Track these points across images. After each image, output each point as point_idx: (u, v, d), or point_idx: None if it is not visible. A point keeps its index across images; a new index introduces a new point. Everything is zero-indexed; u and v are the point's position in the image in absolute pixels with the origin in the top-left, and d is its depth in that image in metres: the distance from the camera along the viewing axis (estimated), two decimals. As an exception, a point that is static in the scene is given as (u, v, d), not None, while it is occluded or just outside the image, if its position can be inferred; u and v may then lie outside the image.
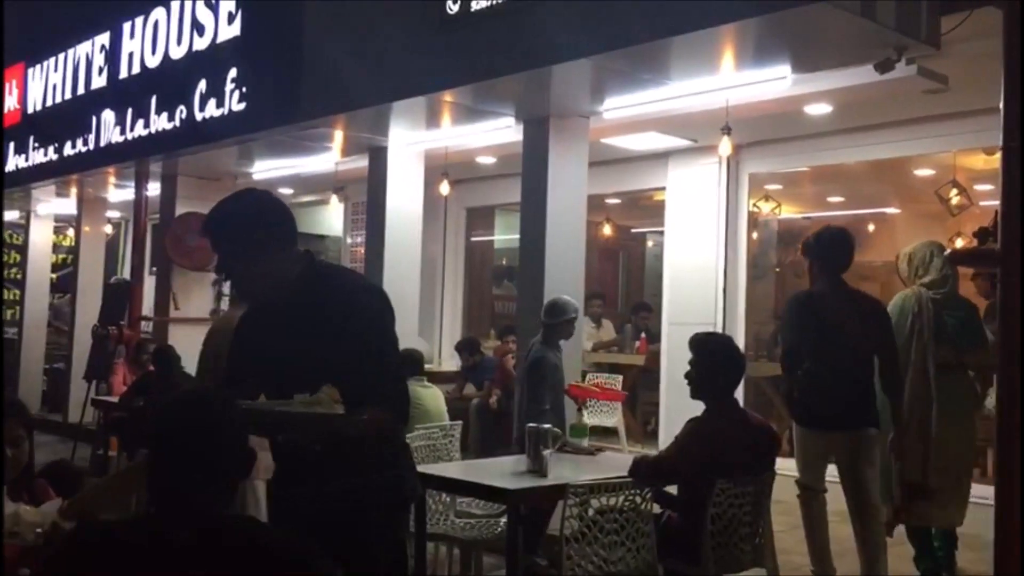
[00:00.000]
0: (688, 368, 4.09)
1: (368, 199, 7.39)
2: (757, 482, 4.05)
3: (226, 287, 9.28)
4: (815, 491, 4.70)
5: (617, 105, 5.78)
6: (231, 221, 2.56)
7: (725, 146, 5.79)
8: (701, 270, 7.72)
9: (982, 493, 5.81)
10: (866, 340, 4.54)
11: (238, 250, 2.54)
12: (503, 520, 4.32)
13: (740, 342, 7.52)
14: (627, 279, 12.55)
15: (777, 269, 9.57)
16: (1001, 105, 2.53)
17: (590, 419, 7.98)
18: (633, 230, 11.60)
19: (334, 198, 8.40)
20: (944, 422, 4.67)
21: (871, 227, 10.05)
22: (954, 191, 7.13)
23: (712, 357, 4.06)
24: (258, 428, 2.34)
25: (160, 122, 7.73)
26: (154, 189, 9.34)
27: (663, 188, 8.17)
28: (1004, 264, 2.59)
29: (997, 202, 2.55)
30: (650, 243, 11.50)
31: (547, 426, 4.32)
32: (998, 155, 6.75)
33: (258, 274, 2.57)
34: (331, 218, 11.92)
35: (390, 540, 2.71)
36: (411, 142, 7.04)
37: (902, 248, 5.23)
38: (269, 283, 2.59)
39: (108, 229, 12.37)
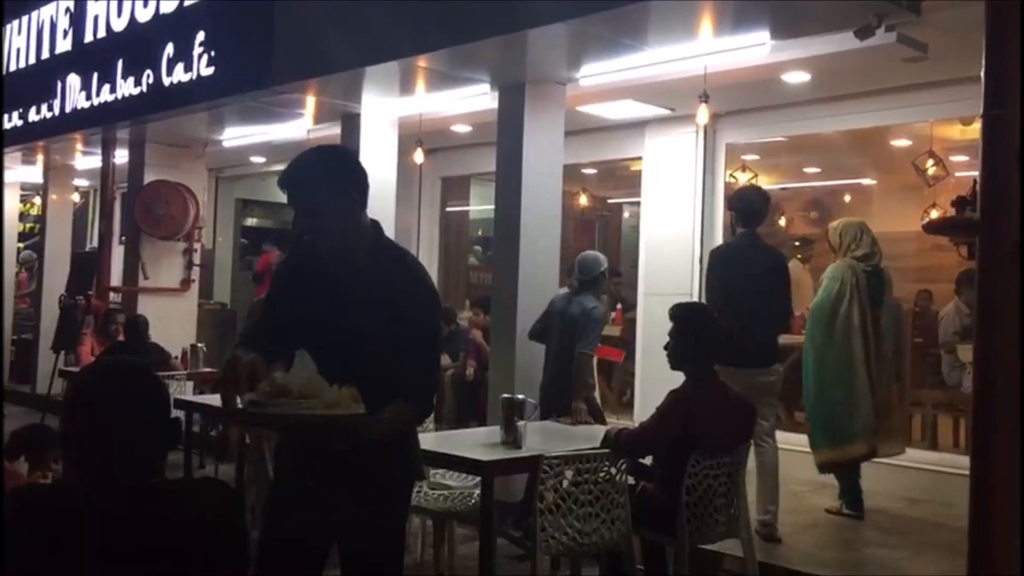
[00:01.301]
0: (667, 339, 4.04)
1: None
2: (734, 454, 4.04)
3: (197, 257, 9.14)
4: None
5: (594, 72, 5.69)
6: (317, 172, 2.49)
7: (703, 114, 5.72)
8: (677, 240, 7.66)
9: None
10: (769, 287, 5.18)
11: (322, 205, 2.45)
12: (477, 492, 4.27)
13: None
14: (603, 250, 12.46)
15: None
16: (982, 72, 2.47)
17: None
18: (609, 200, 11.53)
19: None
20: (879, 372, 5.58)
21: (847, 197, 10.05)
22: (930, 161, 7.11)
23: (690, 328, 4.01)
24: (273, 428, 2.29)
25: (127, 87, 7.55)
26: (122, 156, 9.15)
27: (640, 158, 8.10)
28: (983, 233, 2.56)
29: (973, 173, 2.50)
30: (626, 214, 11.45)
31: (521, 396, 4.26)
32: (974, 125, 6.77)
33: (337, 232, 2.49)
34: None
35: (392, 518, 2.68)
36: (385, 109, 6.92)
37: (832, 223, 5.86)
38: (345, 243, 2.52)
39: (76, 197, 12.15)
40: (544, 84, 5.85)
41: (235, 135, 8.55)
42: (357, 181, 2.53)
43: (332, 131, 7.44)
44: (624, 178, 9.92)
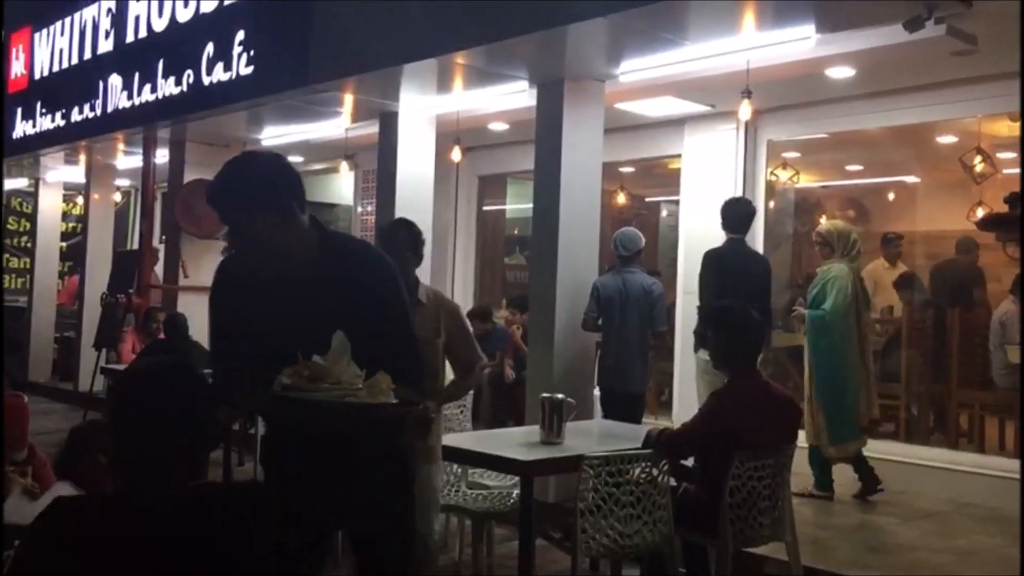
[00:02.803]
0: (707, 337, 3.99)
1: (379, 166, 7.26)
2: (778, 454, 3.96)
3: (236, 255, 9.20)
4: None
5: (634, 68, 5.62)
6: (237, 190, 2.36)
7: (745, 110, 5.63)
8: (717, 239, 7.54)
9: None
10: (758, 289, 5.74)
11: (247, 220, 2.35)
12: (516, 492, 4.23)
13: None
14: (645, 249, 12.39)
15: (792, 239, 9.43)
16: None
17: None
18: (647, 199, 11.42)
19: (344, 165, 8.27)
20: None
21: (891, 196, 9.88)
22: (978, 158, 6.95)
23: (731, 328, 3.95)
24: (298, 417, 2.27)
25: (167, 87, 7.60)
26: (163, 156, 9.23)
27: (679, 156, 8.01)
28: None
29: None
30: (664, 212, 11.33)
31: (561, 396, 4.22)
32: (1024, 120, 6.53)
33: (273, 244, 2.37)
34: (341, 186, 11.81)
35: (395, 499, 2.63)
36: (422, 107, 6.90)
37: (825, 225, 6.18)
38: (285, 253, 2.40)
39: (117, 197, 12.28)
40: (583, 80, 5.79)
41: (274, 134, 8.58)
42: (283, 187, 2.40)
43: (370, 129, 7.45)
44: (662, 176, 9.82)
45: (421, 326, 3.02)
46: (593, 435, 4.56)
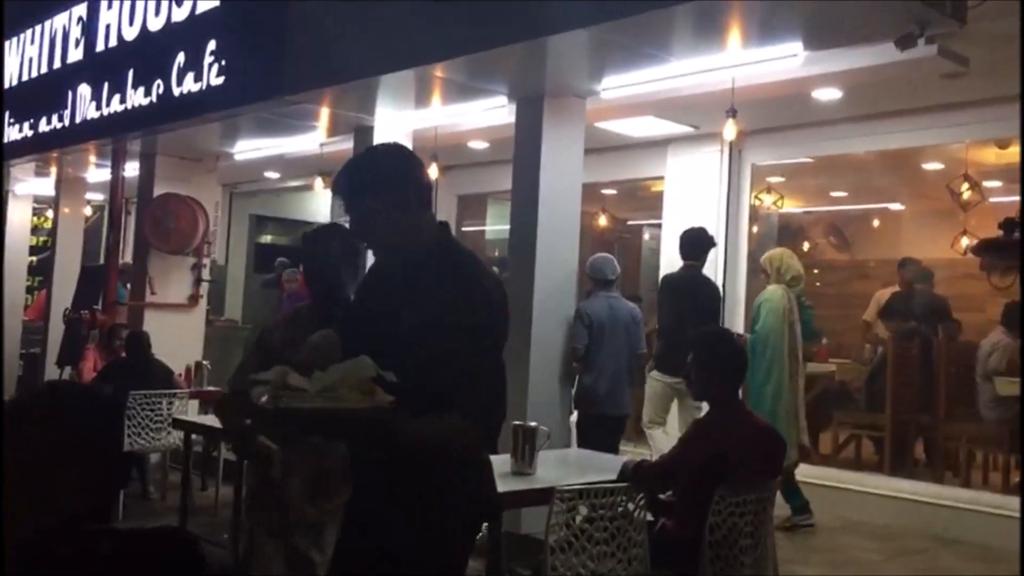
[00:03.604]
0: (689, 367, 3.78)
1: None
2: (761, 489, 3.75)
3: (206, 272, 8.94)
4: (660, 424, 6.24)
5: (615, 84, 5.44)
6: (377, 173, 2.33)
7: (729, 130, 5.46)
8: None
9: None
10: (710, 312, 6.16)
11: (380, 207, 2.29)
12: (484, 524, 4.00)
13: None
14: (622, 273, 12.21)
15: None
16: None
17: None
18: (629, 222, 11.27)
19: (319, 182, 8.03)
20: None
21: (875, 223, 9.77)
22: (965, 185, 6.82)
23: (712, 354, 3.75)
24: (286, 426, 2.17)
25: (136, 97, 7.36)
26: (134, 169, 8.98)
27: (661, 177, 7.85)
28: None
29: (1008, 199, 2.26)
30: (646, 236, 11.17)
31: (534, 424, 4.00)
32: (1011, 148, 6.47)
33: (398, 235, 2.32)
34: (318, 204, 11.59)
35: (456, 559, 2.33)
36: (399, 122, 6.70)
37: (765, 255, 6.30)
38: (408, 246, 2.34)
39: (88, 211, 11.99)
40: (563, 97, 5.61)
41: (247, 148, 8.35)
42: (409, 180, 2.34)
43: (346, 145, 7.24)
44: (645, 199, 9.68)
45: None
46: (568, 465, 4.35)
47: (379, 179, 2.32)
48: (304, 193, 11.64)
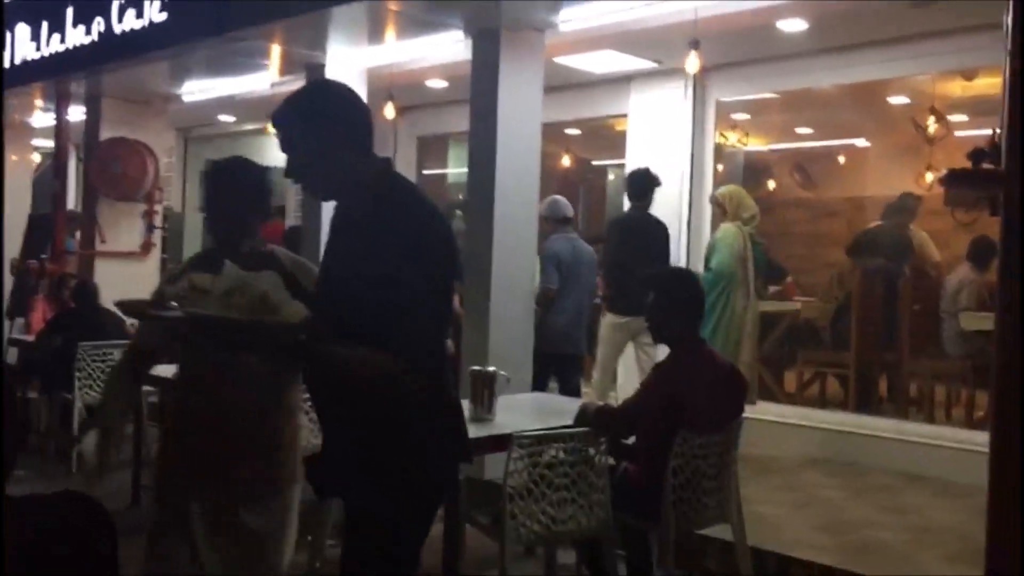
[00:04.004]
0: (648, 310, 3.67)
1: (306, 124, 6.76)
2: (725, 431, 3.67)
3: (158, 219, 8.69)
4: (612, 368, 6.30)
5: (575, 16, 5.24)
6: (312, 110, 2.23)
7: (692, 62, 5.29)
8: (664, 205, 7.23)
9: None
10: (657, 252, 6.12)
11: (313, 147, 2.21)
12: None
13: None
14: (587, 214, 12.07)
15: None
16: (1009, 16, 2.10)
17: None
18: (594, 162, 11.10)
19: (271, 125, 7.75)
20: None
21: (841, 159, 9.68)
22: (932, 118, 6.72)
23: (671, 294, 3.64)
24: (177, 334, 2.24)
25: (77, 36, 7.03)
26: (81, 113, 8.64)
27: (624, 115, 7.66)
28: (1008, 186, 2.21)
29: (974, 132, 2.13)
30: (611, 176, 11.02)
31: (492, 368, 3.88)
32: (977, 80, 6.35)
33: (334, 176, 2.24)
34: (275, 149, 11.28)
35: (378, 509, 2.22)
36: (352, 59, 6.45)
37: (719, 190, 6.35)
38: (346, 187, 2.25)
39: (36, 158, 11.60)
40: (521, 31, 5.39)
41: (196, 89, 8.06)
42: (344, 117, 2.24)
43: (298, 84, 6.97)
44: (610, 138, 9.48)
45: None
46: (527, 410, 4.24)
47: (314, 116, 2.23)
48: (261, 138, 11.31)
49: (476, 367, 3.91)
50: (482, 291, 5.40)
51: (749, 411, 6.54)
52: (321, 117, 2.22)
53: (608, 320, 6.19)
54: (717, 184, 7.65)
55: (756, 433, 6.45)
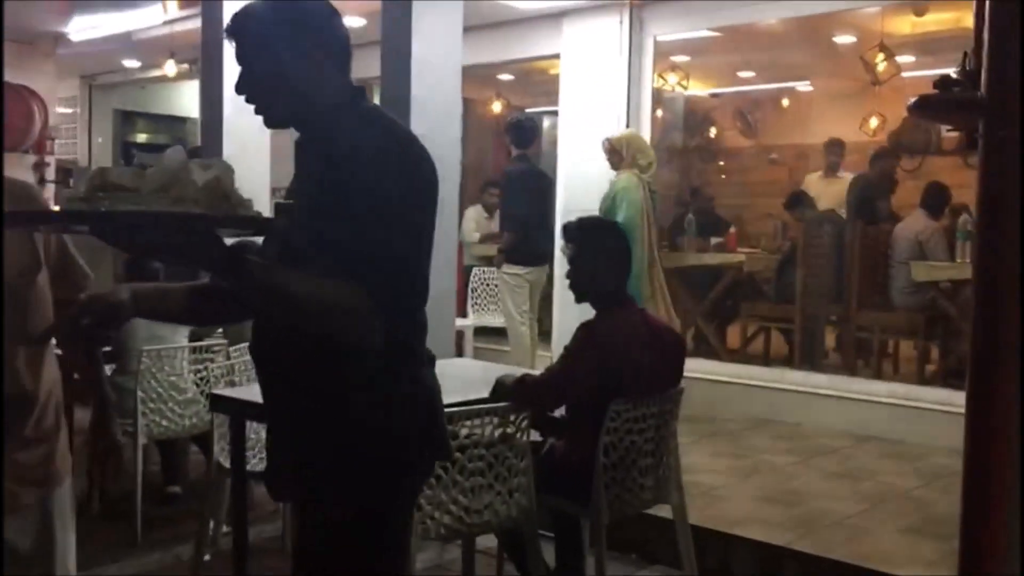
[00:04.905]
0: (568, 265, 3.19)
1: (201, 68, 6.11)
2: (662, 400, 3.23)
3: (50, 172, 7.95)
4: (529, 317, 6.42)
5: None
6: (274, 14, 1.82)
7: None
8: (599, 156, 6.75)
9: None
10: (544, 201, 6.52)
11: (276, 59, 1.80)
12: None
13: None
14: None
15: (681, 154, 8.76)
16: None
17: (477, 317, 7.18)
18: (528, 109, 10.54)
19: (170, 66, 7.07)
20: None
21: (784, 102, 9.28)
22: (880, 56, 6.31)
23: (597, 246, 3.16)
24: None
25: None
26: (-40, 56, 7.83)
27: (557, 56, 7.12)
28: (989, 113, 1.81)
29: (923, 72, 1.68)
30: (547, 124, 10.50)
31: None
32: (928, 16, 5.92)
33: (297, 98, 1.82)
34: (187, 97, 10.53)
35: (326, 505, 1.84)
36: None
37: (613, 135, 5.91)
38: (310, 114, 1.84)
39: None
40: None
41: (85, 26, 7.30)
42: (319, 26, 1.83)
43: (194, 23, 6.29)
44: (543, 83, 8.96)
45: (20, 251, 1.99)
46: (448, 379, 3.73)
47: (282, 20, 1.81)
48: (173, 85, 10.53)
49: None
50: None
51: (690, 370, 6.29)
52: (290, 22, 1.81)
53: (510, 271, 6.36)
54: (656, 132, 7.22)
55: (697, 393, 6.12)
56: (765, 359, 6.78)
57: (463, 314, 7.28)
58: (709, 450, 5.15)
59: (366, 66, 8.33)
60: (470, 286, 7.34)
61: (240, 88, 1.84)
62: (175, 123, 12.00)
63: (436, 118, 4.94)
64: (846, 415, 5.64)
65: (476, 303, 7.30)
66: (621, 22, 6.54)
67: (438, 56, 4.91)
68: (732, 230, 7.31)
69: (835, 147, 7.65)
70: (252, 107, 1.86)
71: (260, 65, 1.81)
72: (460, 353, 7.01)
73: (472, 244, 8.14)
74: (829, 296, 6.43)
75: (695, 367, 6.35)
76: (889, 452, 5.11)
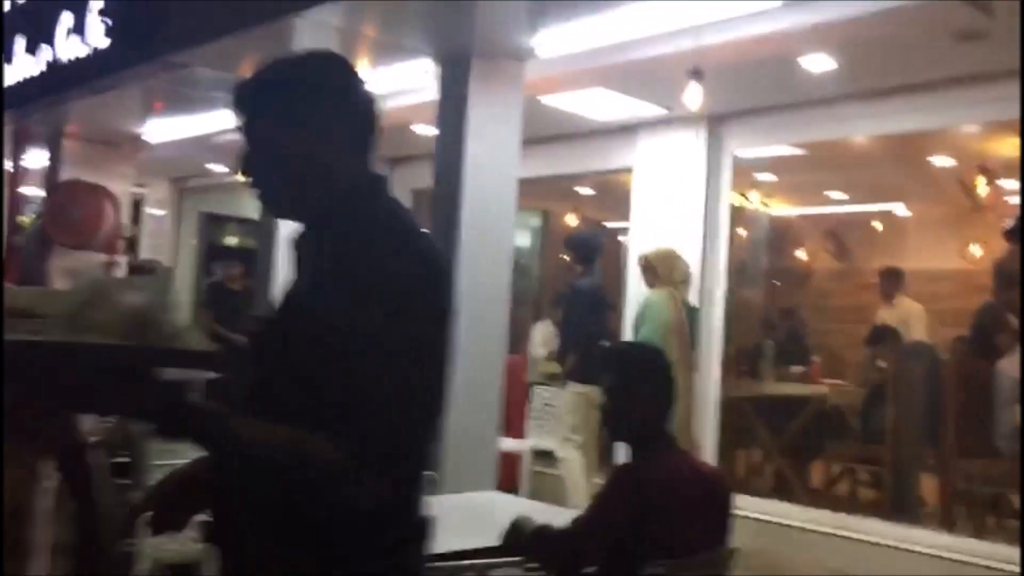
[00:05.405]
0: (603, 396, 2.78)
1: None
2: (708, 563, 2.74)
3: (119, 271, 7.94)
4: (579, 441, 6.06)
5: (554, 41, 4.45)
6: (288, 88, 1.53)
7: (694, 96, 4.47)
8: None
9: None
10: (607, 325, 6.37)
11: (286, 140, 1.51)
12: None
13: (716, 358, 6.21)
14: (605, 281, 11.21)
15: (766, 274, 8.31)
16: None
17: (537, 439, 6.75)
18: (607, 224, 10.26)
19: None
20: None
21: (878, 226, 8.77)
22: (981, 178, 5.82)
23: (638, 377, 2.75)
24: None
25: (26, 66, 6.41)
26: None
27: (630, 169, 6.84)
28: None
29: None
30: (623, 239, 10.20)
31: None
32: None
33: (308, 186, 1.54)
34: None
35: None
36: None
37: (647, 252, 5.85)
38: (320, 205, 1.54)
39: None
40: (495, 59, 4.62)
41: (158, 128, 7.38)
42: (339, 103, 1.54)
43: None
44: (624, 197, 8.72)
45: None
46: (455, 518, 3.33)
47: (296, 96, 1.52)
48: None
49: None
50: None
51: (764, 512, 5.71)
52: (305, 99, 1.52)
53: (575, 389, 6.06)
54: (739, 251, 6.82)
55: (768, 539, 5.52)
56: (851, 505, 6.13)
57: (521, 435, 6.87)
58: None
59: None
60: (532, 405, 6.94)
61: (243, 168, 1.56)
62: (262, 226, 12.14)
63: (488, 216, 4.68)
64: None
65: (538, 423, 6.87)
66: (697, 136, 6.24)
67: (493, 158, 4.68)
68: (815, 359, 6.77)
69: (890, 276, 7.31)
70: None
71: (263, 140, 1.53)
72: (514, 479, 6.58)
73: (540, 360, 7.78)
74: (923, 438, 5.80)
75: (768, 509, 5.77)
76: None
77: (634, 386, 2.73)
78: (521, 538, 2.68)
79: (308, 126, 1.52)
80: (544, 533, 2.71)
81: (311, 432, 1.33)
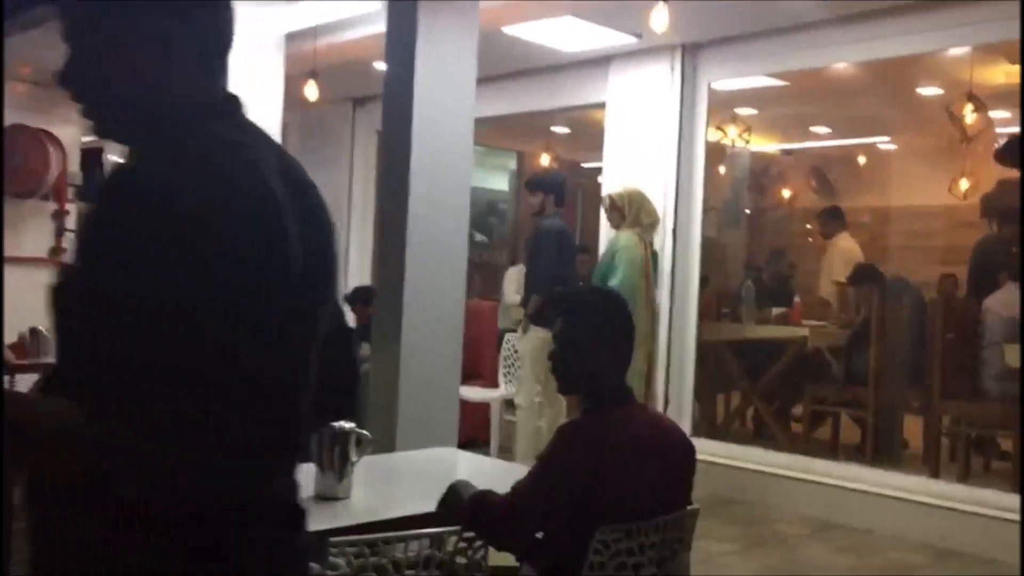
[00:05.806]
0: (552, 344, 2.50)
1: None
2: (667, 526, 2.50)
3: (69, 221, 7.60)
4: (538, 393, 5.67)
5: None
6: None
7: (660, 17, 4.13)
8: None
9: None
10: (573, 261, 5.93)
11: (115, 41, 1.24)
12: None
13: (693, 299, 5.96)
14: (584, 224, 10.92)
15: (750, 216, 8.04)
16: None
17: (510, 388, 6.51)
18: (584, 164, 9.95)
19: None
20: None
21: (861, 159, 8.49)
22: (969, 106, 5.52)
23: (591, 324, 2.47)
24: None
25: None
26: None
27: (602, 104, 6.51)
28: None
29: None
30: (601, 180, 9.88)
31: (350, 426, 2.74)
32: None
33: (139, 100, 1.26)
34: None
35: None
36: (266, 17, 5.37)
37: (614, 191, 5.67)
38: (150, 125, 1.26)
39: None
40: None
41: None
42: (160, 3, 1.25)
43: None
44: (600, 136, 8.39)
45: None
46: (403, 479, 3.09)
47: None
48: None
49: (336, 423, 2.76)
50: (392, 319, 4.23)
51: (744, 459, 5.50)
52: None
53: (537, 335, 5.44)
54: (716, 191, 6.55)
55: (748, 487, 5.34)
56: (832, 451, 5.93)
57: (495, 384, 6.65)
58: (757, 564, 4.34)
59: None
60: (502, 353, 6.70)
61: (63, 78, 1.27)
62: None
63: (441, 166, 4.36)
64: (925, 524, 4.77)
65: (510, 372, 6.64)
66: (672, 68, 5.90)
67: (446, 89, 4.33)
68: (797, 300, 6.53)
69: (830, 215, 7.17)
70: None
71: (89, 45, 1.25)
72: (487, 429, 6.36)
73: (511, 307, 7.52)
74: (908, 379, 5.59)
75: (747, 455, 5.58)
76: (977, 573, 4.23)
77: (587, 333, 2.45)
78: (457, 505, 2.43)
79: (142, 28, 1.24)
80: (482, 499, 2.45)
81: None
